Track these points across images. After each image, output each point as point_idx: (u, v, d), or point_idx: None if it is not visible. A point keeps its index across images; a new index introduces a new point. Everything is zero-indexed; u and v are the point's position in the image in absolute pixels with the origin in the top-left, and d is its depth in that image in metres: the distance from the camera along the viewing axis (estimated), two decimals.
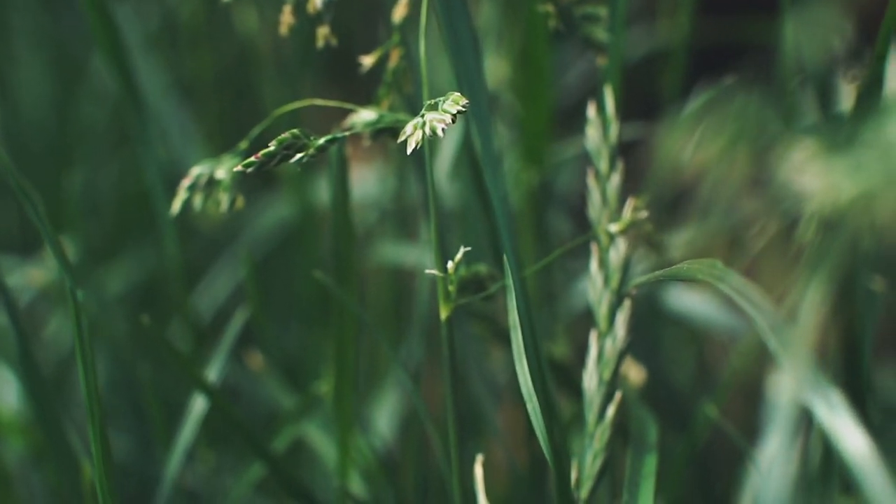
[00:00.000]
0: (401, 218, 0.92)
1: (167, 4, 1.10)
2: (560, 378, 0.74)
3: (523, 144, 0.78)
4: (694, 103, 0.76)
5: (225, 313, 0.99)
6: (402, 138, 0.59)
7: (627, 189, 0.67)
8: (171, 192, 0.98)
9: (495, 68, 0.82)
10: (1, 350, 0.87)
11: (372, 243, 0.93)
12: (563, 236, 0.85)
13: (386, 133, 0.65)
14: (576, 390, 0.74)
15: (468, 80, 0.59)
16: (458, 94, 0.59)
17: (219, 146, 1.02)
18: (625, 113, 0.75)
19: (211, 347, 0.97)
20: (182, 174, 1.02)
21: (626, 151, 0.70)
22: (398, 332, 0.89)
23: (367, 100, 1.02)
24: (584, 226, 0.86)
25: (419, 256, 0.85)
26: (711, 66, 1.00)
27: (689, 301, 0.87)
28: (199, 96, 1.02)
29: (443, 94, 0.60)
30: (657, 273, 0.60)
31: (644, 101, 0.98)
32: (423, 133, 0.58)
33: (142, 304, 1.02)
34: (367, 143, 0.64)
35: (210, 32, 1.01)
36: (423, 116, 0.58)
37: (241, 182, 1.00)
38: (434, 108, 0.59)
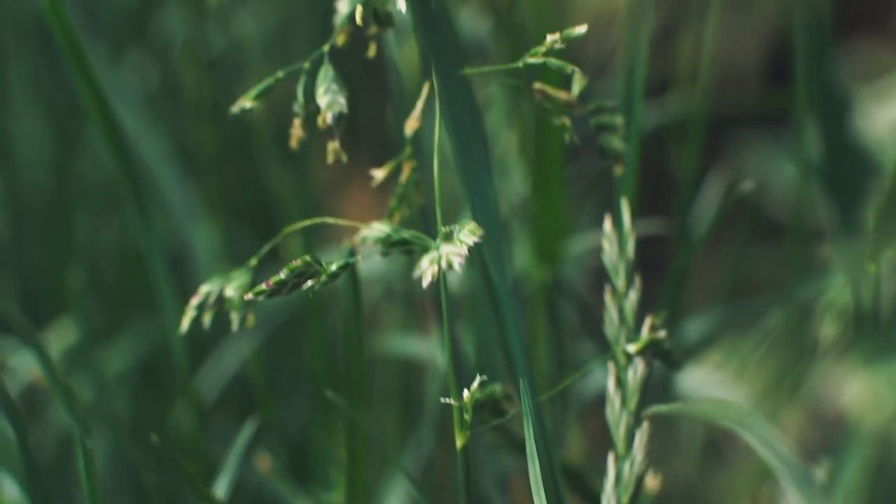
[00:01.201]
0: (409, 298, 0.91)
1: (169, 68, 1.08)
2: (575, 486, 0.73)
3: (536, 241, 0.77)
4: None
5: (228, 392, 0.98)
6: (417, 273, 0.57)
7: (644, 294, 0.66)
8: (173, 266, 0.97)
9: (508, 167, 0.81)
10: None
11: (379, 326, 0.91)
12: (574, 326, 0.84)
13: (398, 248, 0.64)
14: (592, 496, 0.73)
15: (481, 206, 0.58)
16: (474, 223, 0.57)
17: (221, 218, 1.00)
18: (636, 189, 0.74)
19: (213, 431, 0.96)
20: (184, 246, 1.01)
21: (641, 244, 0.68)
22: (407, 419, 0.88)
23: (372, 162, 1.00)
24: (593, 313, 0.84)
25: (429, 350, 0.84)
26: (721, 136, 0.99)
27: (698, 379, 0.86)
28: (201, 166, 1.01)
29: (457, 206, 0.59)
30: (678, 406, 0.59)
31: (655, 174, 0.96)
32: (440, 267, 0.57)
33: (145, 380, 1.01)
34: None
35: (214, 103, 0.99)
36: (437, 249, 0.57)
37: (248, 256, 0.98)
38: (448, 237, 0.58)
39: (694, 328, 0.83)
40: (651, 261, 0.84)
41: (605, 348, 0.83)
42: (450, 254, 0.56)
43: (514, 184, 0.83)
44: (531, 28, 0.81)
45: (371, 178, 0.65)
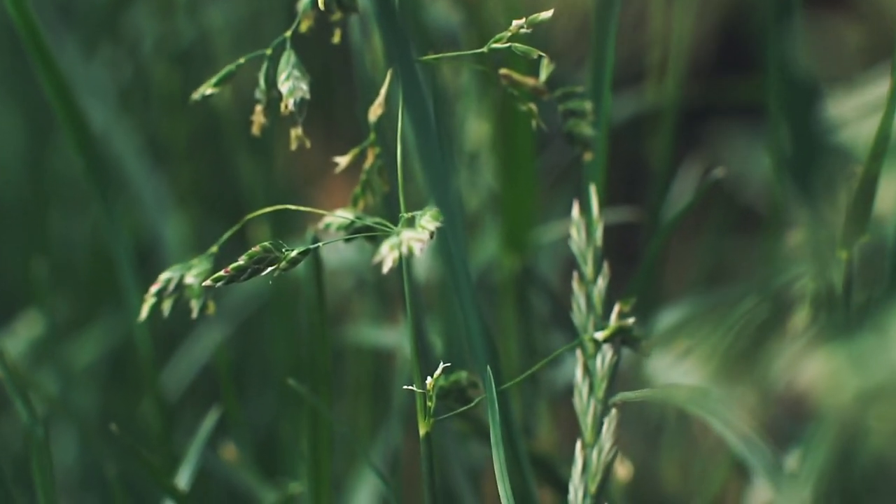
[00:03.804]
0: (380, 289, 0.90)
1: (140, 61, 1.07)
2: (544, 475, 0.72)
3: (506, 230, 0.76)
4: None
5: (198, 384, 0.97)
6: (377, 259, 0.56)
7: (613, 280, 0.65)
8: (144, 259, 0.96)
9: (479, 158, 0.80)
10: None
11: (350, 318, 0.90)
12: (544, 316, 0.83)
13: (361, 234, 0.63)
14: (561, 486, 0.72)
15: (440, 191, 0.57)
16: (436, 209, 0.57)
17: (192, 210, 0.99)
18: (609, 178, 0.73)
19: (183, 424, 0.95)
20: (155, 239, 1.00)
21: (611, 231, 0.68)
22: (378, 411, 0.87)
23: (345, 143, 0.99)
24: (563, 303, 0.84)
25: (398, 339, 0.83)
26: (698, 127, 0.98)
27: (667, 365, 0.85)
28: (172, 159, 1.00)
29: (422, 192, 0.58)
30: (646, 392, 0.58)
31: (629, 164, 0.96)
32: (400, 253, 0.56)
33: (114, 373, 1.00)
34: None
35: (183, 96, 0.99)
36: (399, 235, 0.56)
37: (222, 249, 0.98)
38: (411, 223, 0.57)
39: (667, 317, 0.83)
40: (625, 250, 0.84)
41: (574, 337, 0.82)
42: (411, 239, 0.56)
43: (485, 174, 0.82)
44: (502, 18, 0.80)
45: (349, 169, 0.65)
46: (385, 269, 0.56)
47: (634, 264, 0.79)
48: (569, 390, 0.84)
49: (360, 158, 0.64)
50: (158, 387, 0.81)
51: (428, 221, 0.56)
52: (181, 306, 1.00)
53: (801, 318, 0.79)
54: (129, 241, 0.80)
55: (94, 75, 1.06)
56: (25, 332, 0.92)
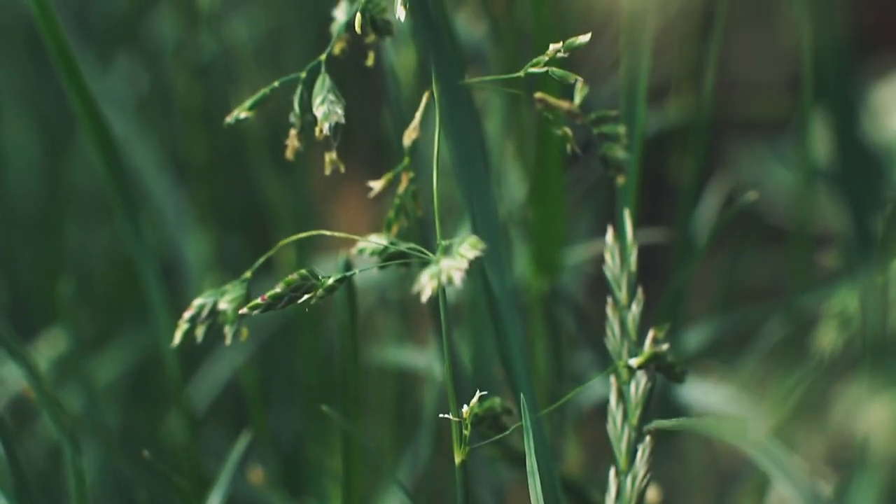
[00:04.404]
0: (403, 307, 0.89)
1: (160, 73, 1.07)
2: (574, 499, 0.72)
3: (535, 252, 0.75)
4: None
5: (221, 399, 0.97)
6: (416, 288, 0.56)
7: (645, 304, 0.65)
8: (164, 275, 0.95)
9: (505, 174, 0.80)
10: None
11: (373, 335, 0.90)
12: (571, 333, 0.83)
13: (396, 260, 0.63)
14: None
15: (482, 218, 0.57)
16: (475, 236, 0.56)
17: (212, 226, 0.99)
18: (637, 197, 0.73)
19: (205, 439, 0.95)
20: (176, 254, 1.00)
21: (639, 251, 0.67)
22: (401, 429, 0.87)
23: (366, 166, 0.98)
24: (591, 322, 0.83)
25: (426, 361, 0.82)
26: (713, 140, 0.98)
27: (701, 391, 0.85)
28: (193, 173, 0.99)
29: (454, 214, 0.58)
30: (682, 421, 0.58)
31: (653, 180, 0.95)
32: (440, 282, 0.55)
33: (136, 389, 0.99)
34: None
35: (205, 109, 0.98)
36: (438, 264, 0.56)
37: (240, 264, 0.97)
38: (448, 250, 0.56)
39: (693, 337, 0.82)
40: (649, 267, 0.83)
41: (602, 357, 0.82)
42: (450, 268, 0.55)
43: (511, 190, 0.82)
44: (530, 30, 0.79)
45: (365, 183, 0.64)
46: (424, 299, 0.56)
47: (658, 282, 0.79)
48: (594, 410, 0.84)
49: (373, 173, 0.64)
50: (187, 406, 0.80)
51: (467, 249, 0.56)
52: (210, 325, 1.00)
53: (830, 339, 0.78)
54: (155, 256, 0.80)
55: (112, 86, 1.06)
56: (48, 349, 0.92)
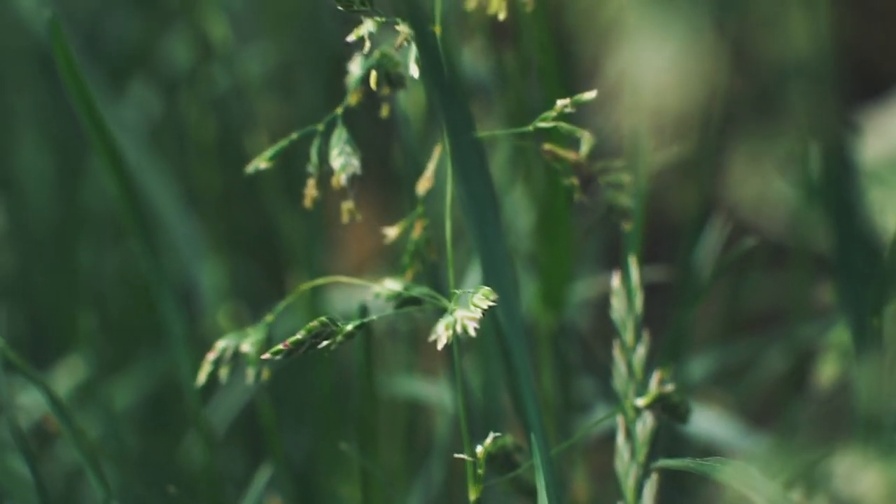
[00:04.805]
0: (412, 337, 0.92)
1: (172, 101, 1.09)
2: None
3: (543, 288, 0.78)
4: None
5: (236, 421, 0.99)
6: (432, 337, 0.59)
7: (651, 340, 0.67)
8: (179, 304, 0.97)
9: (511, 212, 0.82)
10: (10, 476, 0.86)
11: (383, 364, 0.92)
12: (575, 363, 0.85)
13: (411, 307, 0.65)
14: None
15: (494, 267, 0.59)
16: (487, 287, 0.59)
17: (225, 253, 1.01)
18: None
19: (222, 461, 0.97)
20: (188, 283, 1.02)
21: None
22: (412, 458, 0.89)
23: (373, 193, 1.01)
24: (594, 351, 0.86)
25: (437, 393, 0.85)
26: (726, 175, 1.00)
27: (704, 420, 0.87)
28: (206, 201, 1.02)
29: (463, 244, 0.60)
30: (688, 462, 0.60)
31: (654, 215, 0.98)
32: (455, 332, 0.58)
33: (152, 414, 1.02)
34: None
35: (218, 139, 1.01)
36: (452, 314, 0.58)
37: (253, 292, 0.99)
38: (462, 299, 0.59)
39: (696, 367, 0.85)
40: (650, 297, 0.86)
41: (605, 385, 0.84)
42: (464, 318, 0.58)
43: (517, 228, 0.85)
44: (536, 68, 0.81)
45: (372, 207, 0.67)
46: (440, 347, 0.58)
47: (659, 310, 0.81)
48: (599, 438, 0.86)
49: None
50: (206, 430, 0.82)
51: (480, 300, 0.58)
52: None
53: (829, 372, 0.81)
54: (172, 284, 0.81)
55: (124, 113, 1.08)
56: (68, 377, 0.94)
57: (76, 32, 1.16)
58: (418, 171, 0.66)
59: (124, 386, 1.00)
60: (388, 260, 1.05)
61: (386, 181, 1.08)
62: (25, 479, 0.80)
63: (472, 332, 0.58)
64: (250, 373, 0.66)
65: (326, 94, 1.03)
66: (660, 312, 0.84)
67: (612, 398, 0.84)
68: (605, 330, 0.96)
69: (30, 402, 0.93)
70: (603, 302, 0.90)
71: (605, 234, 0.93)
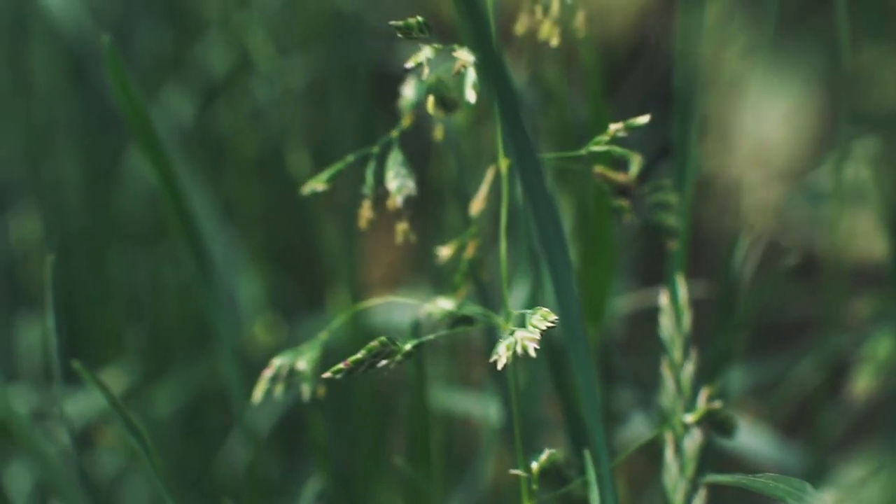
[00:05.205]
0: (452, 349, 0.93)
1: (207, 108, 1.09)
2: None
3: (586, 303, 0.79)
4: None
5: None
6: (493, 357, 0.60)
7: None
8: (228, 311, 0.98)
9: None
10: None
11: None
12: (616, 379, 0.87)
13: (462, 324, 0.67)
14: None
15: (562, 290, 0.61)
16: (546, 309, 0.60)
17: (263, 265, 1.02)
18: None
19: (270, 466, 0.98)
20: (227, 293, 1.03)
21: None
22: (450, 469, 0.91)
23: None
24: (632, 366, 0.87)
25: (480, 407, 0.86)
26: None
27: (741, 433, 0.88)
28: (243, 214, 1.03)
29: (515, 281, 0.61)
30: (738, 478, 0.62)
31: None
32: (515, 352, 0.59)
33: (189, 422, 1.03)
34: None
35: (256, 152, 1.02)
36: (513, 335, 0.60)
37: (290, 304, 1.00)
38: (519, 319, 0.60)
39: (732, 381, 0.86)
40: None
41: (643, 396, 0.86)
42: (524, 339, 0.59)
43: None
44: (585, 93, 0.82)
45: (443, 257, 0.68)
46: (500, 366, 0.60)
47: (699, 321, 0.82)
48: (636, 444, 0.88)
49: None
50: (251, 431, 0.83)
51: (539, 321, 0.60)
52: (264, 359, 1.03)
53: (864, 384, 0.82)
54: (219, 289, 0.82)
55: (158, 120, 1.08)
56: (113, 384, 0.95)
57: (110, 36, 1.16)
58: (462, 190, 0.67)
59: (163, 395, 1.01)
60: (415, 270, 1.07)
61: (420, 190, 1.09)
62: (72, 482, 0.81)
63: (532, 353, 0.59)
64: (305, 389, 0.67)
65: (359, 110, 1.04)
66: (696, 325, 0.85)
67: (649, 408, 0.86)
68: (636, 340, 0.97)
69: (73, 411, 0.95)
70: (635, 314, 0.92)
71: (636, 248, 0.94)
